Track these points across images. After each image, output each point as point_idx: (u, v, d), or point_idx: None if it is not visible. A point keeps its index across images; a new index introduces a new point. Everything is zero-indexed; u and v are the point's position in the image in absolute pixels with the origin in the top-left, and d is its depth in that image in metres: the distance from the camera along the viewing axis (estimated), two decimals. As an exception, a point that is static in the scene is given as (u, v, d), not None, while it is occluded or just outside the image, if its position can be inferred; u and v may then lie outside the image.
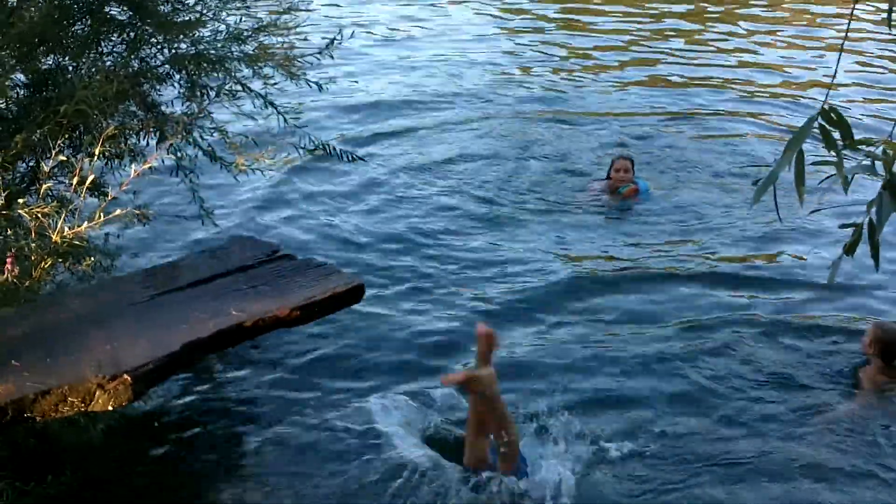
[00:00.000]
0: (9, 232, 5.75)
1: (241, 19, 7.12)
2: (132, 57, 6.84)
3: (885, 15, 2.79)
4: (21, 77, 6.69)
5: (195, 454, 6.09)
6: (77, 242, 5.76)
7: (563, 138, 11.95)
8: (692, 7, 18.63)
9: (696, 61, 15.35)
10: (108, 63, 6.76)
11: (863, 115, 12.72)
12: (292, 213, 9.68)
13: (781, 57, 15.62)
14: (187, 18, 6.95)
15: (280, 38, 7.15)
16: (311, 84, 7.29)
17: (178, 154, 7.15)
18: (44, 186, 5.97)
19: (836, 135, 2.83)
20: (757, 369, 7.18)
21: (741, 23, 17.70)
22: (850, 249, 2.91)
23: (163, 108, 7.16)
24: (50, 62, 6.76)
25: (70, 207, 5.87)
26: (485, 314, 7.84)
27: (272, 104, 7.22)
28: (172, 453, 6.10)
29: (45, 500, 5.35)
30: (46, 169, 6.15)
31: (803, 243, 9.25)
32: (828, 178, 2.94)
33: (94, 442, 5.70)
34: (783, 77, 14.67)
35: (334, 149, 7.48)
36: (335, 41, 7.21)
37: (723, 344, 7.51)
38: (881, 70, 14.99)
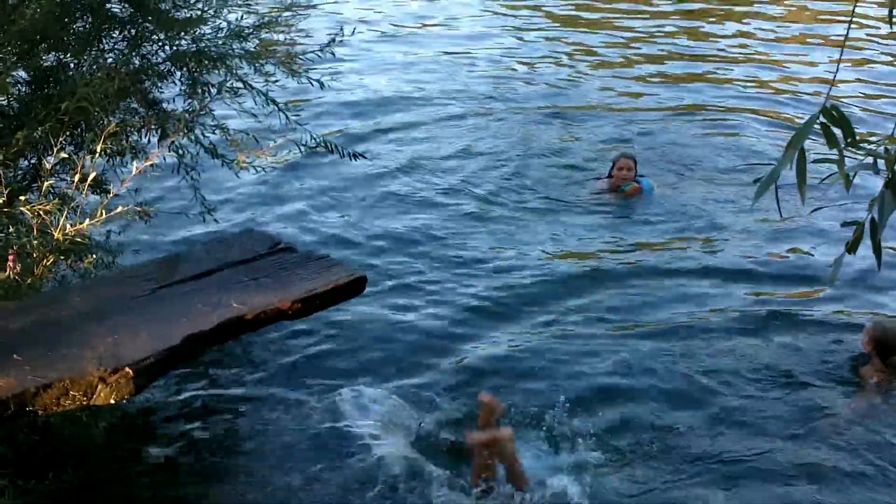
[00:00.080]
0: (10, 229, 5.75)
1: (242, 16, 7.11)
2: (133, 54, 6.84)
3: (886, 11, 2.78)
4: (22, 74, 6.69)
5: (194, 451, 6.10)
6: (79, 239, 5.76)
7: (565, 135, 11.96)
8: (695, 4, 18.60)
9: (698, 57, 15.35)
10: (110, 60, 6.76)
11: (865, 109, 12.71)
12: (293, 209, 9.70)
13: (784, 53, 15.60)
14: (188, 15, 6.94)
15: (281, 36, 7.15)
16: (312, 81, 7.28)
17: (180, 151, 7.14)
18: (45, 184, 5.97)
19: (838, 132, 2.82)
20: (758, 367, 7.19)
21: (745, 19, 17.68)
22: (851, 247, 2.91)
23: (164, 105, 7.16)
24: (51, 59, 6.76)
25: (72, 205, 5.87)
26: (483, 310, 7.87)
27: (273, 101, 7.21)
28: (170, 449, 6.11)
29: (47, 498, 5.36)
30: (48, 166, 6.15)
31: (805, 241, 9.25)
32: (829, 176, 2.94)
33: (96, 439, 5.71)
34: (786, 73, 14.65)
35: (335, 146, 7.47)
36: (337, 38, 7.20)
37: (724, 342, 7.53)
38: (883, 66, 14.97)
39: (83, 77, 6.20)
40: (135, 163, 6.32)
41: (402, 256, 8.82)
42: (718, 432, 6.49)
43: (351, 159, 7.54)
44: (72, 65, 6.68)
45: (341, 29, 7.17)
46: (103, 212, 5.76)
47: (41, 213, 5.60)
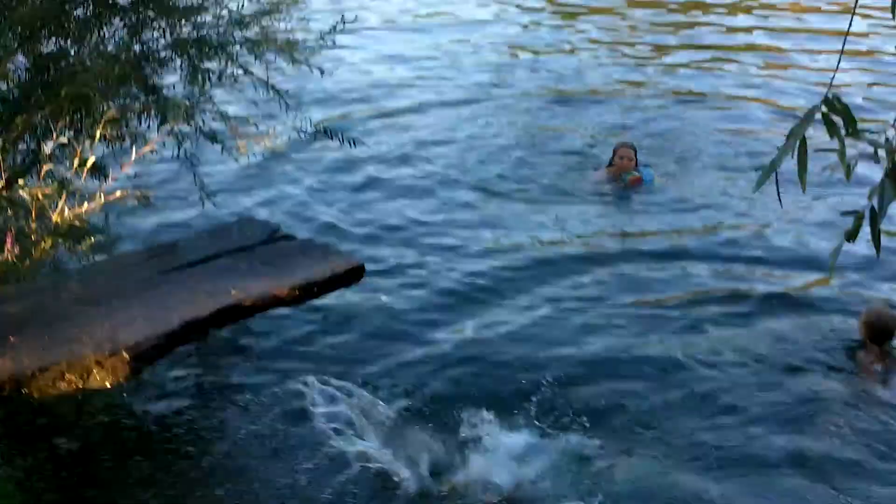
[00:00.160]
0: (9, 212, 5.76)
1: (242, 4, 7.10)
2: (134, 41, 6.82)
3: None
4: (23, 60, 6.68)
5: (189, 432, 6.09)
6: (77, 224, 5.77)
7: (566, 122, 11.97)
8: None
9: (702, 47, 15.31)
10: (110, 47, 6.75)
11: (868, 99, 12.71)
12: (292, 196, 9.70)
13: (788, 42, 15.57)
14: (189, 3, 6.92)
15: (282, 24, 7.13)
16: (312, 68, 7.27)
17: (180, 137, 7.14)
18: (44, 168, 5.98)
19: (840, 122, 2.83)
20: (753, 352, 7.20)
21: (750, 8, 17.65)
22: (851, 236, 2.91)
23: (164, 91, 7.15)
24: (52, 45, 6.75)
25: (70, 189, 5.88)
26: (477, 294, 7.93)
27: (274, 88, 7.20)
28: (165, 432, 6.11)
29: (43, 477, 5.38)
30: (47, 151, 6.15)
31: (804, 230, 9.25)
32: (830, 165, 2.94)
33: (92, 412, 5.71)
34: (789, 62, 14.64)
35: (335, 133, 7.46)
36: (338, 26, 7.19)
37: (720, 327, 7.56)
38: (887, 56, 14.95)
39: (83, 63, 6.19)
40: (134, 148, 6.33)
41: (398, 243, 8.81)
42: (711, 417, 6.48)
43: (350, 146, 7.54)
44: (72, 51, 6.67)
45: (342, 17, 7.16)
46: (102, 196, 5.77)
47: (40, 196, 5.62)
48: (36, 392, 4.85)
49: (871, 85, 13.50)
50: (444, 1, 17.79)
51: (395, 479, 5.72)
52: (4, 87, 6.51)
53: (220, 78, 6.95)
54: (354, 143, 7.55)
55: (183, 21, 6.88)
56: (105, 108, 6.39)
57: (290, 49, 7.06)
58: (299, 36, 7.23)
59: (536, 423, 6.21)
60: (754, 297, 8.05)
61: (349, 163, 10.41)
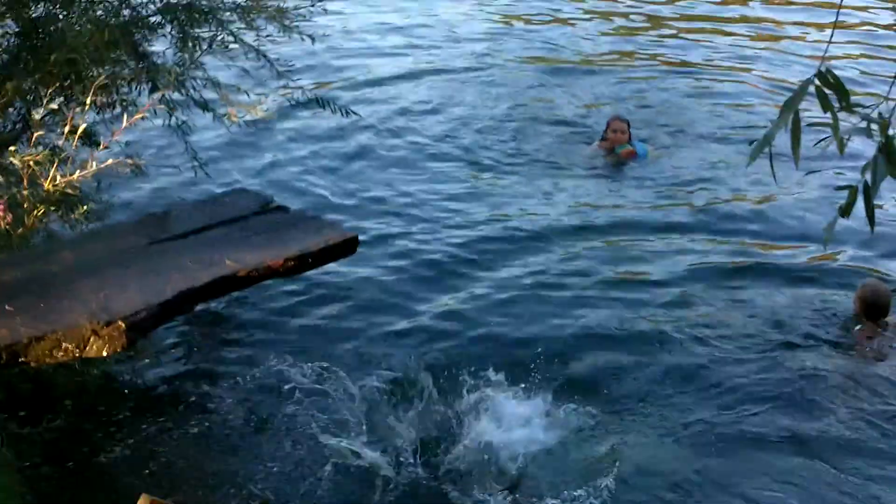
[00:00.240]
0: (0, 179, 5.73)
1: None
2: (123, 5, 6.78)
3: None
4: (12, 25, 6.63)
5: (188, 406, 6.10)
6: (69, 191, 5.75)
7: (560, 93, 11.93)
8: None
9: (694, 14, 15.27)
10: (99, 12, 6.70)
11: (863, 73, 12.70)
12: (283, 166, 9.66)
13: (783, 14, 15.53)
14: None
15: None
16: (303, 36, 7.24)
17: (171, 105, 7.11)
18: (35, 134, 5.95)
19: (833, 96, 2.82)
20: (747, 329, 7.21)
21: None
22: (845, 211, 2.91)
23: (154, 58, 7.11)
24: (40, 10, 6.70)
25: (62, 156, 5.86)
26: (464, 265, 7.94)
27: (265, 56, 7.17)
28: (161, 401, 6.12)
29: (39, 445, 5.39)
30: (37, 117, 6.12)
31: (798, 205, 9.25)
32: (824, 139, 2.94)
33: (88, 385, 5.72)
34: (784, 34, 14.61)
35: (327, 102, 7.45)
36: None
37: (716, 303, 7.56)
38: (881, 30, 14.93)
39: (72, 28, 6.15)
40: (125, 116, 6.30)
41: (387, 214, 8.79)
42: (703, 391, 6.50)
43: (343, 115, 7.52)
44: (61, 16, 6.62)
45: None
46: (93, 163, 5.75)
47: (31, 163, 5.59)
48: (33, 361, 4.84)
49: (863, 57, 13.48)
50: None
51: (383, 455, 5.72)
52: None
53: (210, 45, 6.93)
54: (346, 113, 7.53)
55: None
56: (95, 74, 6.35)
57: (280, 16, 7.03)
58: (290, 3, 7.20)
59: (527, 398, 6.19)
60: (748, 271, 8.07)
61: (340, 132, 10.37)
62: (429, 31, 14.17)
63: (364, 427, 5.90)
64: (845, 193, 2.85)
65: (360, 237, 6.65)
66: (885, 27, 15.05)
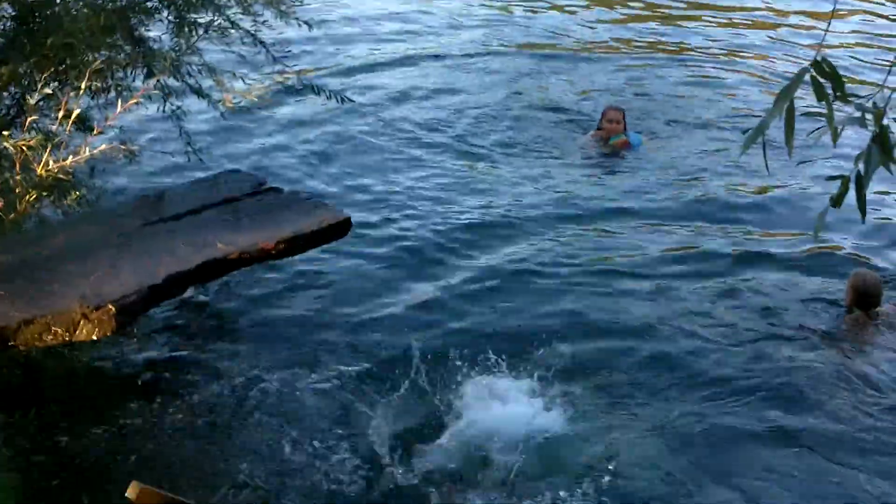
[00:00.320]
0: (-7, 164, 5.72)
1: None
2: (120, -10, 6.76)
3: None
4: (8, 8, 6.60)
5: (178, 390, 6.08)
6: (62, 176, 5.73)
7: (555, 80, 11.91)
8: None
9: (692, 2, 15.25)
10: (96, -4, 6.67)
11: (860, 61, 12.68)
12: (278, 150, 9.64)
13: (780, 1, 15.51)
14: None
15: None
16: (300, 22, 7.22)
17: (166, 90, 7.09)
18: (29, 119, 5.93)
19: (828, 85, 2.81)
20: (739, 317, 7.21)
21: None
22: (837, 201, 2.90)
23: (150, 43, 7.08)
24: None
25: (55, 141, 5.84)
26: (452, 252, 7.86)
27: (261, 42, 7.15)
28: (152, 388, 6.09)
29: (28, 432, 5.38)
30: (32, 102, 6.10)
31: (790, 194, 9.25)
32: (817, 129, 2.93)
33: (78, 372, 5.71)
34: (778, 20, 14.59)
35: (322, 88, 7.43)
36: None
37: (705, 294, 7.53)
38: (878, 19, 14.92)
39: (69, 13, 6.12)
40: (120, 101, 6.28)
41: (377, 201, 8.74)
42: (692, 382, 6.45)
43: (338, 101, 7.50)
44: (57, 0, 6.59)
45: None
46: (87, 149, 5.73)
47: (24, 148, 5.57)
48: (22, 345, 4.83)
49: (860, 46, 13.47)
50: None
51: (371, 444, 5.70)
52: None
53: (206, 30, 6.90)
54: (342, 99, 7.51)
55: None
56: (91, 58, 6.32)
57: (277, 2, 7.01)
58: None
59: (516, 388, 6.12)
60: (740, 260, 8.05)
61: (334, 117, 10.33)
62: (427, 17, 14.14)
63: (352, 417, 5.89)
64: (838, 183, 2.84)
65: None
66: (884, 17, 15.03)
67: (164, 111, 7.17)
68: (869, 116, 2.86)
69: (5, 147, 5.62)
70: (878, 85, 2.96)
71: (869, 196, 2.88)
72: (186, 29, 6.92)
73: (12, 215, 5.56)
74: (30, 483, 5.15)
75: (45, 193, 5.80)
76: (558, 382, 6.19)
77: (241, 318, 6.92)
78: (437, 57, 12.48)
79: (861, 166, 2.82)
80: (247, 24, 7.08)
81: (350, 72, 11.79)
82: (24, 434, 5.38)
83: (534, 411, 5.92)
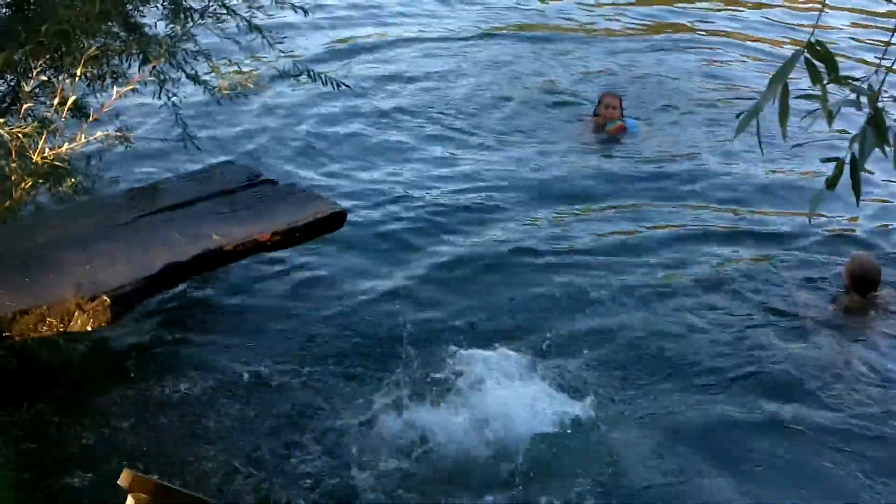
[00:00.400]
0: (-12, 151, 5.71)
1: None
2: (115, -24, 6.73)
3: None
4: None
5: (170, 380, 6.08)
6: (58, 163, 5.73)
7: (551, 63, 11.88)
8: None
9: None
10: (91, -18, 6.64)
11: (855, 40, 12.67)
12: (274, 139, 9.62)
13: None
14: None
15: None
16: (296, 8, 7.20)
17: (161, 77, 7.07)
18: (24, 106, 5.92)
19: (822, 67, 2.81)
20: (734, 303, 7.21)
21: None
22: (831, 183, 2.90)
23: (146, 29, 7.06)
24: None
25: (51, 128, 5.83)
26: (445, 240, 7.87)
27: (257, 28, 7.12)
28: (146, 378, 6.10)
29: (22, 423, 5.38)
30: (27, 89, 6.09)
31: (786, 177, 9.26)
32: (812, 112, 2.93)
33: (73, 363, 5.70)
34: (776, 1, 14.57)
35: (319, 75, 7.40)
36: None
37: (699, 277, 7.54)
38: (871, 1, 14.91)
39: (64, -1, 6.11)
40: (115, 88, 6.27)
41: (368, 187, 8.75)
42: (687, 367, 6.48)
43: (334, 88, 7.48)
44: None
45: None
46: (83, 136, 5.72)
47: (20, 135, 5.56)
48: (17, 335, 4.83)
49: (856, 26, 13.46)
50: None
51: (365, 433, 5.72)
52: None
53: (202, 16, 6.88)
54: (337, 85, 7.49)
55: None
56: (86, 45, 6.31)
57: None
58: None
59: (506, 374, 6.11)
60: (735, 243, 8.08)
61: (331, 104, 10.33)
62: (423, 4, 14.09)
63: (346, 406, 5.91)
64: (832, 165, 2.84)
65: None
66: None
67: (159, 98, 7.15)
68: (864, 99, 2.85)
69: (1, 134, 5.61)
70: (876, 64, 2.96)
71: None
72: (182, 15, 6.90)
73: (8, 203, 5.56)
74: (22, 473, 5.15)
75: (41, 181, 5.80)
76: (552, 368, 6.21)
77: (234, 310, 6.91)
78: (432, 40, 12.45)
79: (856, 148, 2.82)
80: (242, 9, 7.06)
81: (345, 54, 11.77)
82: (17, 424, 5.39)
83: (528, 400, 5.90)
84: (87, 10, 6.07)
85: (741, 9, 14.24)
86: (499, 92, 10.97)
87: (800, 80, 2.79)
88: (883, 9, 14.17)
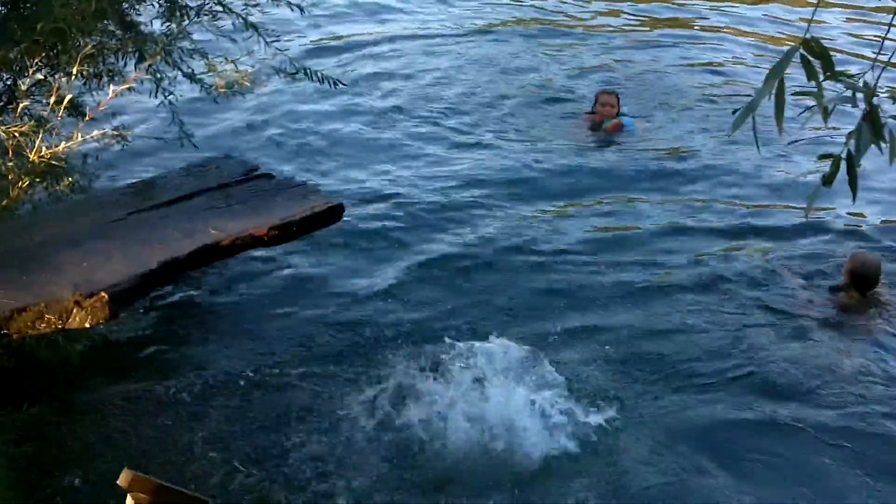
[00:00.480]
0: (-15, 150, 5.70)
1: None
2: (110, -26, 6.72)
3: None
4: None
5: (169, 378, 6.09)
6: (54, 162, 5.72)
7: (546, 59, 11.90)
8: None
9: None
10: (86, -20, 6.63)
11: (850, 35, 12.67)
12: (270, 136, 9.65)
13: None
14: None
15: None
16: (292, 6, 7.20)
17: (158, 75, 7.06)
18: (20, 105, 5.91)
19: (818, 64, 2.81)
20: (734, 297, 7.23)
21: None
22: (828, 180, 2.91)
23: (142, 27, 7.06)
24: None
25: (47, 127, 5.82)
26: (440, 238, 7.87)
27: (253, 26, 7.12)
28: (145, 377, 6.10)
29: (21, 421, 5.38)
30: (23, 87, 6.08)
31: (782, 174, 9.26)
32: (808, 109, 2.94)
33: (72, 361, 5.70)
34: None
35: (315, 73, 7.40)
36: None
37: (701, 273, 7.56)
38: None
39: (59, -2, 6.10)
40: (111, 86, 6.26)
41: (363, 184, 8.78)
42: (682, 365, 6.49)
43: (331, 86, 7.48)
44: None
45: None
46: (79, 135, 5.71)
47: (16, 134, 5.55)
48: (15, 333, 4.83)
49: (853, 21, 13.47)
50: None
51: (361, 428, 5.73)
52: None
53: (198, 14, 6.87)
54: (334, 83, 7.49)
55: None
56: (82, 43, 6.30)
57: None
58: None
59: (498, 375, 6.07)
60: (733, 238, 8.09)
61: (327, 101, 10.35)
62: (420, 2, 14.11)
63: (345, 405, 5.90)
64: (829, 162, 2.85)
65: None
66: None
67: (155, 96, 7.15)
68: (859, 95, 2.86)
69: (-3, 133, 5.61)
70: (873, 59, 2.96)
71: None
72: (178, 13, 6.90)
73: (5, 202, 5.55)
74: (21, 473, 5.15)
75: (37, 180, 5.79)
76: (550, 368, 6.18)
77: (233, 308, 6.93)
78: (428, 37, 12.49)
79: (852, 145, 2.82)
80: (238, 7, 7.05)
81: (341, 52, 11.79)
82: (16, 423, 5.39)
83: (527, 400, 5.88)
84: (83, 8, 6.06)
85: (737, 4, 14.25)
86: (495, 89, 10.98)
87: (799, 77, 2.79)
88: (874, 4, 14.19)
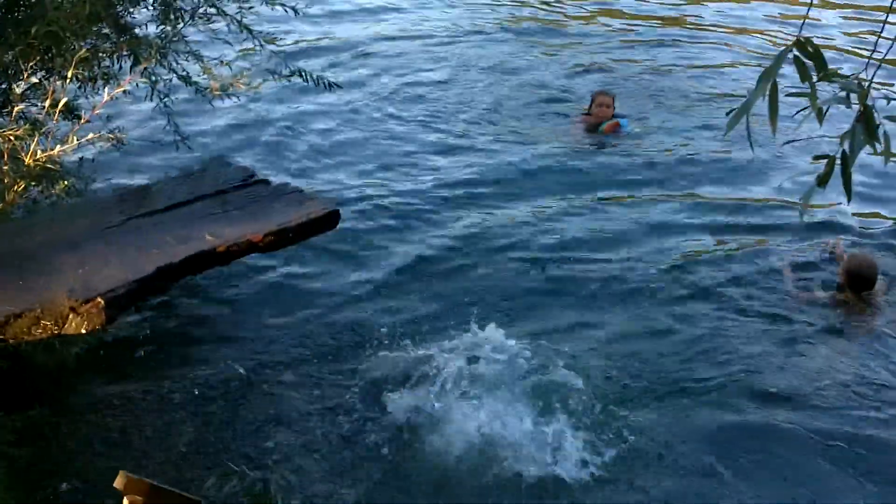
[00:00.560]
0: (-20, 155, 5.70)
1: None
2: (105, -22, 6.71)
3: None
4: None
5: (165, 380, 6.09)
6: (50, 166, 5.72)
7: (543, 59, 11.89)
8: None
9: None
10: (81, -16, 6.63)
11: (846, 33, 12.69)
12: (266, 140, 9.62)
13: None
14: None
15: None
16: (286, 8, 7.20)
17: (153, 78, 7.06)
18: (16, 109, 5.91)
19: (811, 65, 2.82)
20: (730, 297, 7.22)
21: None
22: (822, 181, 2.91)
23: (136, 30, 7.05)
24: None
25: (43, 130, 5.82)
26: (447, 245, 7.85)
27: (247, 28, 7.12)
28: (141, 379, 6.10)
29: (17, 425, 5.38)
30: (18, 91, 6.07)
31: (776, 174, 9.27)
32: (802, 109, 2.94)
33: (68, 364, 5.70)
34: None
35: (310, 75, 7.40)
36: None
37: (696, 273, 7.55)
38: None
39: (54, 1, 6.09)
40: (106, 89, 6.26)
41: (357, 186, 8.76)
42: (685, 359, 6.51)
43: (326, 88, 7.48)
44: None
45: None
46: (75, 138, 5.71)
47: (12, 138, 5.55)
48: (11, 338, 4.82)
49: (848, 20, 13.48)
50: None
51: (359, 429, 5.73)
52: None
53: (192, 17, 6.87)
54: (329, 85, 7.48)
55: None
56: (76, 47, 6.30)
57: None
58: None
59: (495, 374, 6.07)
60: (729, 243, 8.09)
61: (323, 104, 10.33)
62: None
63: (342, 405, 5.90)
64: (823, 163, 2.85)
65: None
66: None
67: (151, 99, 7.14)
68: (853, 96, 2.86)
69: (-8, 137, 5.60)
70: (867, 57, 2.96)
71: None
72: (172, 16, 6.89)
73: (0, 206, 5.55)
74: (18, 475, 5.15)
75: (33, 183, 5.79)
76: (547, 368, 6.17)
77: (227, 311, 6.92)
78: (424, 37, 12.49)
79: (846, 146, 2.82)
80: (232, 9, 7.04)
81: (336, 53, 11.77)
82: (13, 427, 5.38)
83: (526, 399, 5.88)
84: (78, 11, 6.05)
85: (732, 4, 14.26)
86: (492, 90, 10.98)
87: (794, 77, 2.80)
88: (873, 3, 14.20)
